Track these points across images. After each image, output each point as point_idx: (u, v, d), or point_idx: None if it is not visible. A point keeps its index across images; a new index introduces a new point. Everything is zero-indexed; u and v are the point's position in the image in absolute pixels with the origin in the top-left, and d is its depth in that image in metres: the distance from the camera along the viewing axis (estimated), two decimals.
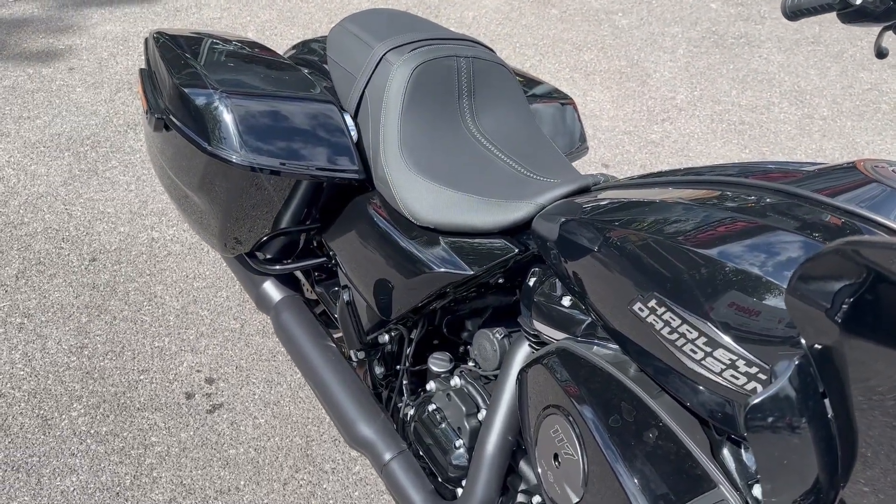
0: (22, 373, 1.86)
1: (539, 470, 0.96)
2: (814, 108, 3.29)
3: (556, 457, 0.93)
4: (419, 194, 1.24)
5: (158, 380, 1.88)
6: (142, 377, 1.88)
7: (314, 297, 1.66)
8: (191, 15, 3.70)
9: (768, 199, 0.83)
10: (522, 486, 1.19)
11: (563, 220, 1.01)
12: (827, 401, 0.63)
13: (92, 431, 1.73)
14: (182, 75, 1.37)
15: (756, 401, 0.64)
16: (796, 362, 0.63)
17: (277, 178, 1.35)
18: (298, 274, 1.68)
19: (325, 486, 1.65)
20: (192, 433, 1.75)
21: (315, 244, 1.58)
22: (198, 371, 1.91)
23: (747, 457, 0.84)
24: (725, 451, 0.84)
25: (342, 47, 1.46)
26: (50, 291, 2.10)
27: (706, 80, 3.46)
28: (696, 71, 3.54)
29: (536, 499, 1.13)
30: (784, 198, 0.82)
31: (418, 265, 1.22)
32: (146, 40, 1.62)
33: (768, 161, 0.95)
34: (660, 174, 1.04)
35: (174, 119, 1.36)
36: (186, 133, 1.33)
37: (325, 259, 1.54)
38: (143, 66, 1.57)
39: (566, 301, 1.04)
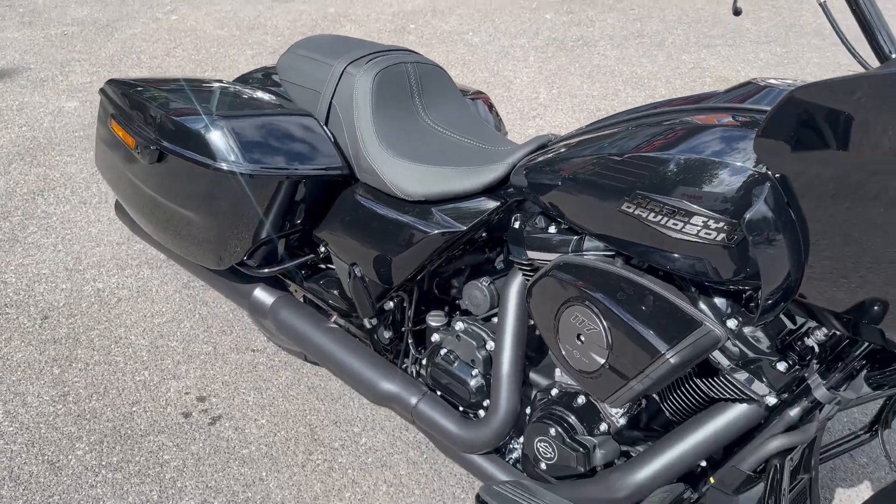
0: (11, 429, 1.90)
1: (563, 353, 1.24)
2: (653, 89, 3.82)
3: (578, 336, 1.20)
4: (407, 175, 1.49)
5: (151, 408, 1.98)
6: (134, 408, 1.98)
7: (300, 296, 1.85)
8: (58, 84, 3.73)
9: (697, 114, 1.16)
10: (537, 390, 1.45)
11: (540, 167, 1.30)
12: (792, 213, 0.94)
13: (104, 463, 1.82)
14: (172, 108, 1.55)
15: (748, 216, 0.94)
16: (768, 186, 0.94)
17: (271, 185, 1.54)
18: (281, 279, 1.86)
19: (340, 461, 1.83)
20: (201, 444, 1.87)
21: (297, 244, 1.78)
22: (186, 393, 2.03)
23: (719, 301, 1.15)
24: (702, 301, 1.15)
25: (297, 70, 1.69)
26: (11, 354, 2.13)
27: (559, 79, 3.92)
28: (549, 73, 4.00)
29: (554, 391, 1.40)
30: (709, 112, 1.15)
31: (417, 233, 1.47)
32: (104, 90, 1.77)
33: (681, 97, 1.28)
34: (601, 120, 1.35)
35: (171, 146, 1.53)
36: (188, 156, 1.51)
37: (312, 255, 1.74)
38: (112, 112, 1.71)
39: (552, 229, 1.33)
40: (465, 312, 1.60)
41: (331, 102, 1.61)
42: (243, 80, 1.87)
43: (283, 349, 2.15)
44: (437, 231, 1.45)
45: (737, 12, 1.38)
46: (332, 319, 1.77)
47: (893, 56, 1.11)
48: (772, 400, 1.14)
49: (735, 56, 4.18)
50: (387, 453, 1.85)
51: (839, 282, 0.92)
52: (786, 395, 1.15)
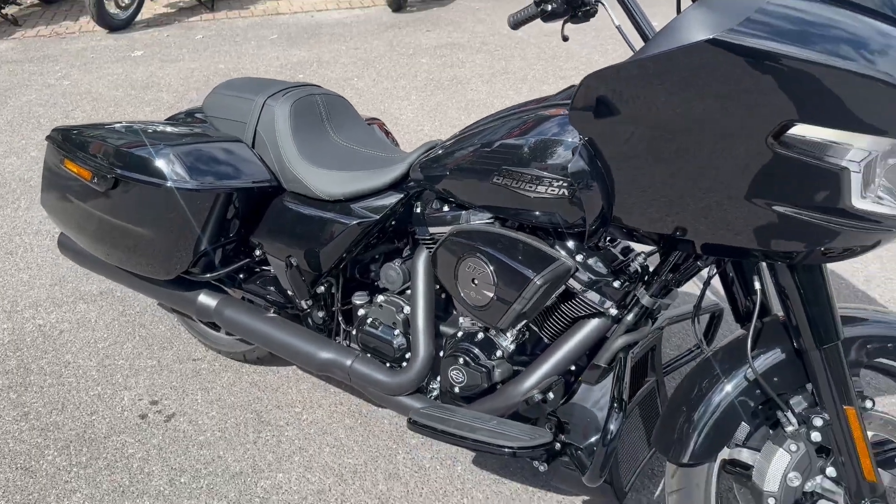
0: None
1: (463, 295, 1.62)
2: None
3: (472, 280, 1.60)
4: (327, 180, 1.86)
5: (109, 415, 2.22)
6: (93, 417, 2.21)
7: (238, 297, 2.16)
8: None
9: (541, 111, 1.59)
10: (446, 338, 1.83)
11: (432, 162, 1.70)
12: (600, 164, 1.37)
13: (74, 462, 2.04)
14: (121, 142, 1.87)
15: (570, 167, 1.37)
16: (581, 147, 1.37)
17: (211, 198, 1.86)
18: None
19: (287, 434, 2.13)
20: (160, 437, 2.13)
21: (233, 251, 2.09)
22: (139, 400, 2.28)
23: (570, 243, 1.58)
24: (557, 244, 1.58)
25: (223, 106, 2.04)
26: None
27: (440, 113, 4.40)
28: (430, 108, 4.47)
29: (459, 334, 1.77)
30: (549, 108, 1.59)
31: (339, 225, 1.83)
32: (51, 137, 2.06)
33: (531, 100, 1.71)
34: (473, 124, 1.77)
35: (125, 173, 1.84)
36: (141, 179, 1.83)
37: (248, 259, 2.07)
38: (64, 152, 1.99)
39: (446, 208, 1.73)
40: (383, 290, 1.97)
41: (255, 129, 1.97)
42: (173, 119, 2.19)
43: (222, 354, 2.44)
44: (355, 222, 1.82)
45: (565, 38, 1.85)
46: (271, 311, 2.09)
47: (650, 36, 1.54)
48: (613, 311, 1.57)
49: None
50: (326, 423, 2.17)
51: (639, 206, 1.35)
52: (624, 307, 1.58)
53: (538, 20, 1.72)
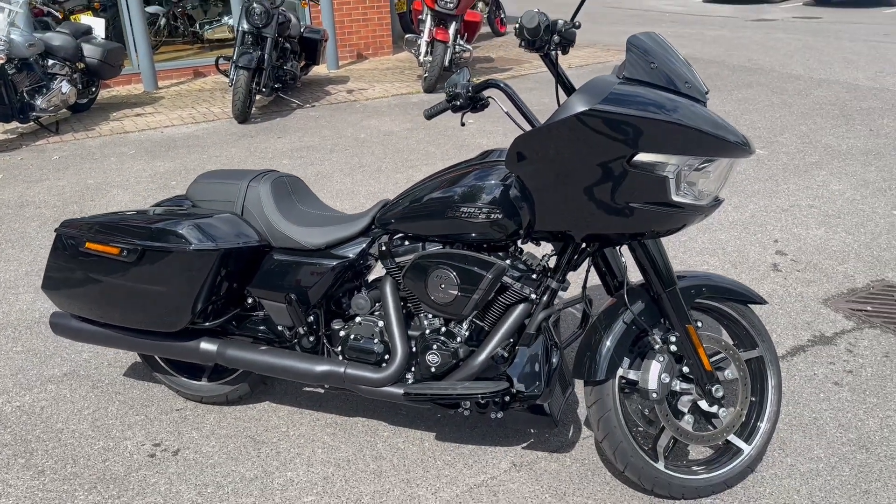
0: (8, 502, 2.39)
1: (433, 298, 2.30)
2: (385, 195, 5.14)
3: (440, 286, 2.29)
4: (309, 234, 2.49)
5: (121, 459, 2.59)
6: (107, 463, 2.57)
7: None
8: None
9: (468, 168, 2.36)
10: (413, 338, 2.48)
11: (392, 210, 2.40)
12: (525, 187, 2.15)
13: (106, 497, 2.41)
14: (143, 221, 2.40)
15: (510, 193, 2.14)
16: (514, 179, 2.15)
17: (216, 257, 2.42)
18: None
19: (282, 446, 2.64)
20: (175, 467, 2.55)
21: (226, 303, 2.62)
22: (142, 445, 2.67)
23: (501, 253, 2.33)
24: (493, 254, 2.33)
25: (209, 191, 2.63)
26: None
27: None
28: None
29: (427, 331, 2.43)
30: (473, 166, 2.36)
31: (322, 267, 2.46)
32: (62, 229, 2.53)
33: (458, 162, 2.47)
34: (420, 182, 2.51)
35: (152, 244, 2.37)
36: (167, 248, 2.36)
37: (239, 309, 2.61)
38: (85, 237, 2.46)
39: (406, 243, 2.43)
40: (353, 316, 2.59)
41: (243, 205, 2.57)
42: (160, 205, 2.72)
43: (203, 401, 2.88)
44: (336, 262, 2.47)
45: (463, 124, 2.66)
46: (262, 346, 2.63)
47: (570, 97, 2.37)
48: (533, 296, 2.34)
49: (428, 168, 5.71)
50: (312, 434, 2.70)
51: (550, 215, 2.14)
52: (540, 293, 2.35)
53: (448, 112, 2.51)
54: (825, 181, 5.23)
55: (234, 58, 7.11)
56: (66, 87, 6.89)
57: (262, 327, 2.65)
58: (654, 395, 2.22)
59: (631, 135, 1.92)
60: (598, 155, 1.96)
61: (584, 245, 2.31)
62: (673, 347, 2.24)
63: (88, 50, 7.24)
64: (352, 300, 2.57)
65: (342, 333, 2.56)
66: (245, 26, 7.19)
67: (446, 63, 8.23)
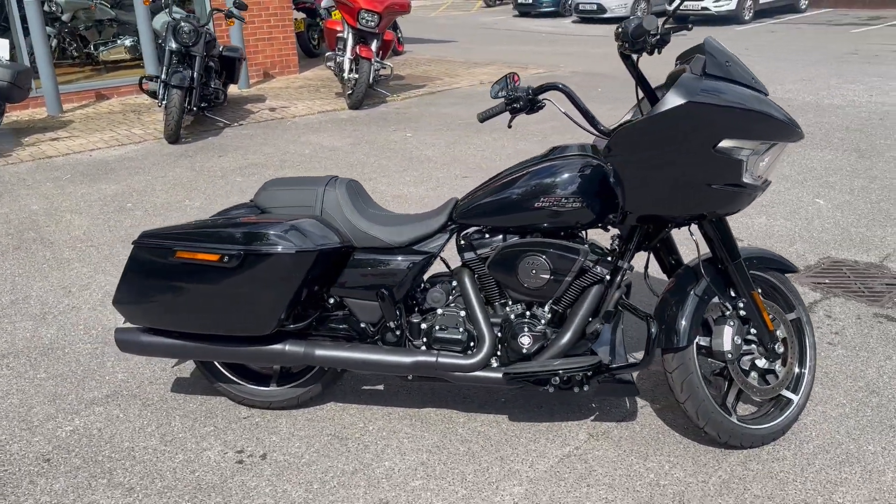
0: None
1: (525, 284, 2.50)
2: None
3: (531, 271, 2.48)
4: (392, 232, 2.62)
5: (210, 469, 2.58)
6: (196, 474, 2.56)
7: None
8: None
9: (545, 162, 2.57)
10: (498, 325, 2.64)
11: (468, 206, 2.57)
12: (617, 174, 2.39)
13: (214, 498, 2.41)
14: (236, 227, 2.44)
15: (611, 179, 2.37)
16: (611, 169, 2.38)
17: (313, 257, 2.49)
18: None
19: (365, 440, 2.72)
20: (270, 469, 2.57)
21: (308, 306, 2.68)
22: (225, 453, 2.67)
23: (580, 236, 2.56)
24: (574, 240, 2.55)
25: (282, 198, 2.70)
26: (49, 485, 2.48)
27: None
28: None
29: (512, 316, 2.61)
30: (548, 161, 2.57)
31: (409, 263, 2.59)
32: (140, 242, 2.52)
33: (529, 158, 2.68)
34: (492, 179, 2.68)
35: (252, 249, 2.41)
36: (270, 251, 2.41)
37: (322, 309, 2.68)
38: (174, 248, 2.46)
39: (487, 235, 2.60)
40: (429, 309, 2.73)
41: (322, 209, 2.65)
42: (226, 212, 2.74)
43: (272, 407, 2.90)
44: (420, 258, 2.60)
45: (510, 126, 2.87)
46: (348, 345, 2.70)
47: (670, 90, 2.59)
48: (608, 277, 2.58)
49: (388, 180, 5.87)
50: (391, 426, 2.80)
51: (643, 199, 2.39)
52: (613, 274, 2.59)
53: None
54: None
55: (165, 77, 6.94)
56: None
57: (343, 325, 2.73)
58: (730, 355, 2.52)
59: (720, 122, 2.21)
60: (691, 141, 2.24)
61: (648, 228, 2.58)
62: (742, 312, 2.55)
63: None
64: (427, 293, 2.70)
65: (424, 326, 2.69)
66: (173, 45, 7.04)
67: (371, 80, 8.38)
